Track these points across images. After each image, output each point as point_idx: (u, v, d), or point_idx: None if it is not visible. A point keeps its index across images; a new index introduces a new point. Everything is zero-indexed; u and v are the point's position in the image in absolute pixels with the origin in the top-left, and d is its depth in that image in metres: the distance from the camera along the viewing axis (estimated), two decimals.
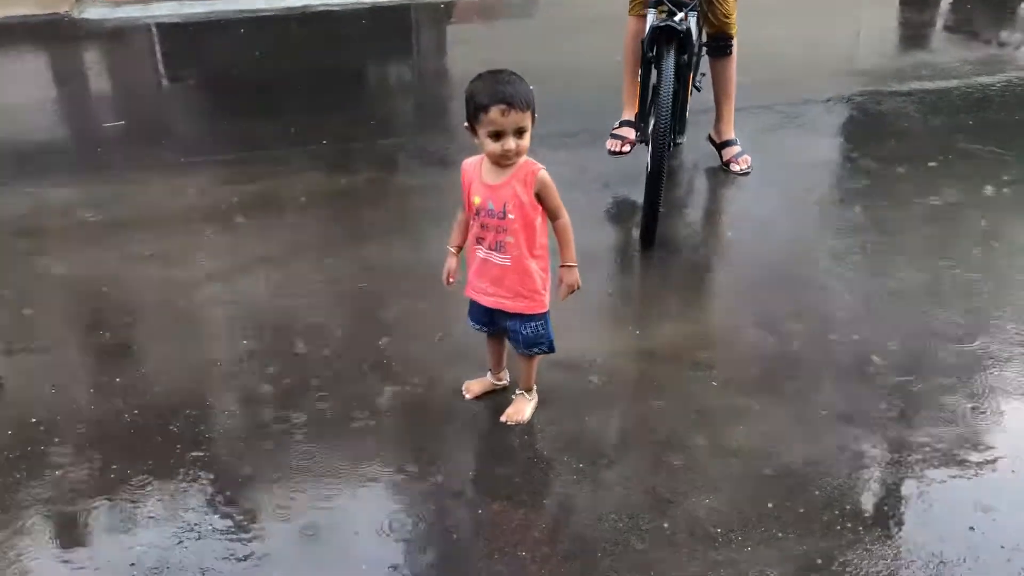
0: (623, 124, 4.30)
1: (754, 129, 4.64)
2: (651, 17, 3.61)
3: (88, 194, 4.08)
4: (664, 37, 3.49)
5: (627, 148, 4.24)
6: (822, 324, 3.19)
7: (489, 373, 2.87)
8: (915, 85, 5.26)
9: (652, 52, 3.56)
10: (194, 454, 2.60)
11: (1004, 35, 6.30)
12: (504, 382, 2.88)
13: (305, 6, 6.69)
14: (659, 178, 3.46)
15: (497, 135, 2.37)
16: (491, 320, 2.71)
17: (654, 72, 3.57)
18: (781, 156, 4.45)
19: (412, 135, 4.73)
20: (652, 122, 3.56)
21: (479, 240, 2.55)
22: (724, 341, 3.15)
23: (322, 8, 6.68)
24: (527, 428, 2.72)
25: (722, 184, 4.25)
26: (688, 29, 3.53)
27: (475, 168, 2.50)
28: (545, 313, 2.64)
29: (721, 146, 4.31)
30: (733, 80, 4.19)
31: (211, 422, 2.74)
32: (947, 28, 6.66)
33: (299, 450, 2.62)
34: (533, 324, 2.64)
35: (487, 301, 2.63)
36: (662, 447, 2.64)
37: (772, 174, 4.26)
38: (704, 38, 4.08)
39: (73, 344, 3.19)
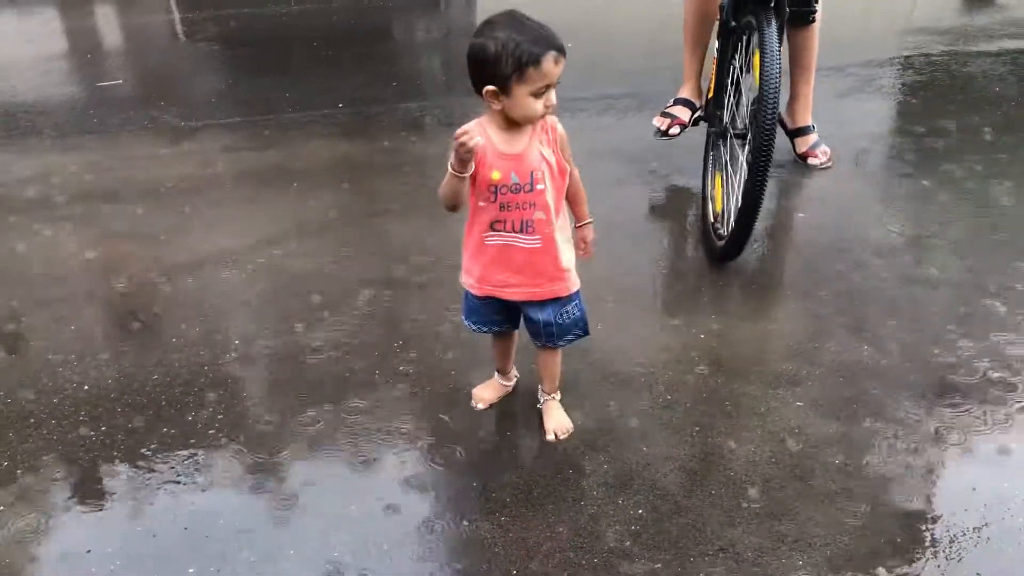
0: (677, 102, 3.68)
1: (826, 94, 4.09)
2: None
3: (69, 161, 3.64)
4: (762, 1, 2.74)
5: (676, 130, 3.62)
6: (921, 330, 2.68)
7: (497, 375, 2.42)
8: (1007, 44, 4.67)
9: (734, 20, 2.89)
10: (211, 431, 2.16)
11: None
12: (513, 381, 2.45)
13: None
14: (761, 184, 2.69)
15: (542, 91, 1.91)
16: (507, 317, 2.24)
17: (739, 46, 2.91)
18: (859, 126, 3.90)
19: (437, 97, 4.23)
20: (754, 109, 2.79)
21: (495, 226, 2.06)
22: (806, 351, 2.65)
23: None
24: (576, 467, 2.24)
25: (790, 159, 3.70)
26: None
27: (483, 137, 1.98)
28: (579, 291, 2.20)
29: (795, 133, 3.66)
30: (815, 53, 3.52)
31: (220, 408, 2.30)
32: None
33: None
34: (569, 307, 2.19)
35: (512, 295, 2.15)
36: (740, 486, 2.16)
37: (851, 145, 3.72)
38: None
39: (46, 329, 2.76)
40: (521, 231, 2.06)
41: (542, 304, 2.18)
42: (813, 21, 3.46)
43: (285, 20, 5.19)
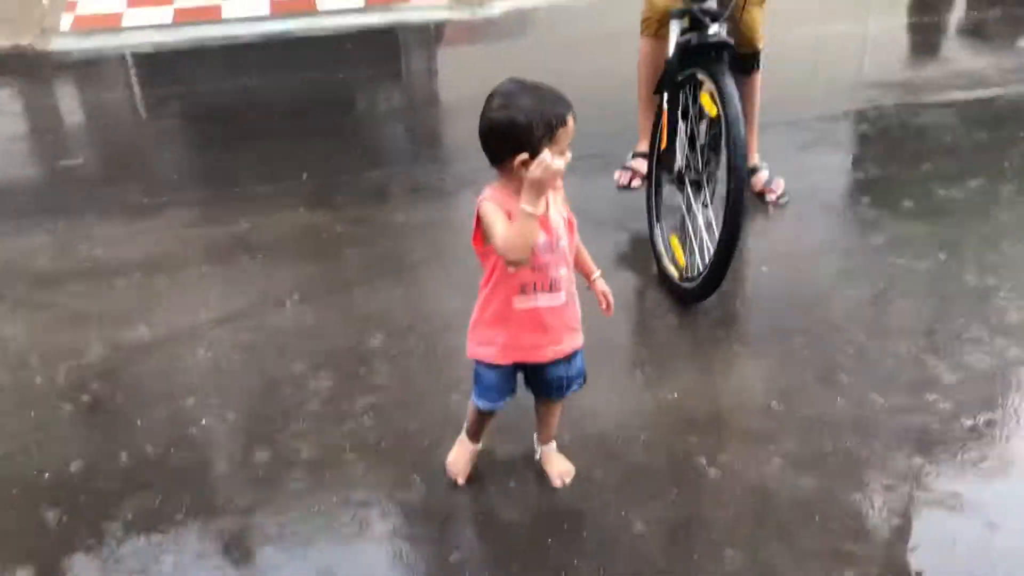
0: (637, 156, 3.81)
1: (784, 148, 4.16)
2: (676, 29, 3.08)
3: (29, 244, 3.59)
4: (711, 54, 2.89)
5: (637, 183, 3.74)
6: (892, 381, 2.70)
7: (467, 440, 2.41)
8: (956, 95, 4.80)
9: (681, 75, 3.01)
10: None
11: None
12: (480, 445, 2.43)
13: (286, 31, 6.23)
14: (739, 222, 2.76)
15: (565, 148, 1.99)
16: (515, 384, 2.27)
17: (685, 98, 3.03)
18: (818, 177, 3.97)
19: (403, 165, 4.25)
20: (724, 157, 2.89)
21: (525, 289, 2.09)
22: (779, 406, 2.64)
23: (305, 33, 6.22)
24: (555, 534, 2.21)
25: (752, 213, 3.74)
26: (728, 41, 2.94)
27: (510, 204, 1.99)
28: None
29: (748, 174, 3.74)
30: (758, 100, 3.69)
31: (185, 492, 2.24)
32: (969, 34, 6.21)
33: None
34: (578, 357, 2.25)
35: (542, 356, 2.19)
36: (722, 548, 2.13)
37: (810, 198, 3.78)
38: None
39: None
40: (550, 289, 2.11)
41: (558, 361, 2.21)
42: (757, 69, 3.58)
43: (247, 94, 5.21)
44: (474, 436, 2.39)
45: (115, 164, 4.38)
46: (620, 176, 3.80)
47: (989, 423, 2.52)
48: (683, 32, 3.04)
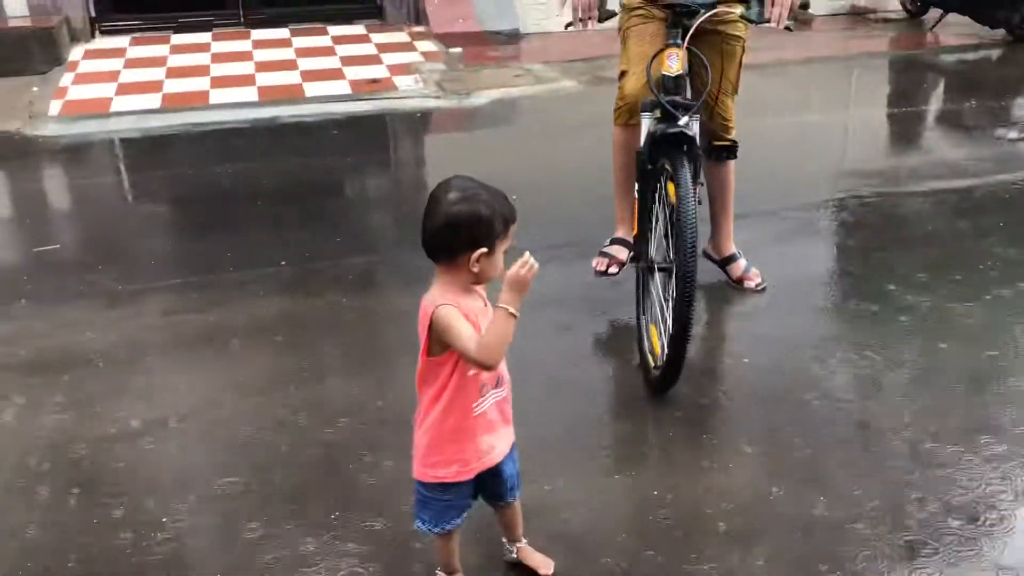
0: (614, 242, 3.81)
1: (764, 238, 4.17)
2: (647, 123, 3.10)
3: (1, 330, 3.53)
4: (674, 145, 2.93)
5: (615, 269, 3.73)
6: (876, 479, 2.63)
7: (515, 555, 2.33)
8: (934, 184, 4.84)
9: (652, 164, 3.04)
10: None
11: (1011, 132, 5.91)
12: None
13: (274, 117, 6.30)
14: (688, 309, 2.76)
15: (506, 247, 1.98)
16: (472, 495, 2.17)
17: (657, 186, 3.04)
18: (798, 266, 3.96)
19: (386, 252, 4.23)
20: (673, 245, 2.92)
21: (483, 390, 2.03)
22: (761, 504, 2.56)
23: (292, 119, 6.29)
24: None
25: (728, 300, 3.72)
26: (694, 135, 3.00)
27: (464, 305, 1.96)
28: None
29: (725, 263, 3.79)
30: (732, 188, 3.72)
31: None
32: (948, 125, 6.32)
33: None
34: (514, 450, 2.19)
35: (497, 456, 2.12)
36: None
37: (790, 288, 3.76)
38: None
39: None
40: (497, 385, 2.07)
41: (506, 457, 2.14)
42: (734, 158, 3.60)
43: (232, 180, 5.21)
44: (450, 566, 2.24)
45: (93, 250, 4.34)
46: (597, 263, 3.78)
47: (977, 527, 2.44)
48: (655, 123, 3.05)
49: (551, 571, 2.30)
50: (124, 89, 6.60)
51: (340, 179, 5.33)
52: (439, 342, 1.96)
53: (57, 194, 5.37)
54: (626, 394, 3.13)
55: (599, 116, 3.82)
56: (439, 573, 2.26)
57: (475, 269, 1.93)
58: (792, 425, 2.88)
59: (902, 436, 2.81)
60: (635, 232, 3.23)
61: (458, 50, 7.61)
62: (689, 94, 3.20)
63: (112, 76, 6.82)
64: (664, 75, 3.05)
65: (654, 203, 3.10)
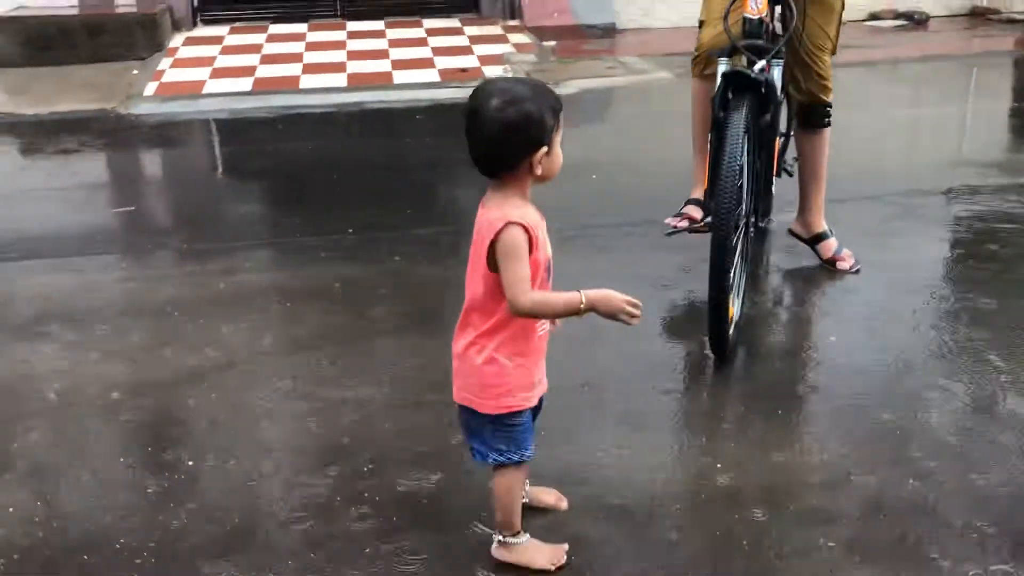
0: (689, 203, 3.57)
1: (864, 221, 3.85)
2: (722, 68, 2.89)
3: (67, 282, 3.52)
4: (735, 87, 2.74)
5: (683, 224, 3.44)
6: (964, 463, 2.31)
7: (522, 535, 2.07)
8: None
9: (723, 112, 2.81)
10: None
11: None
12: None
13: (360, 102, 6.25)
14: (722, 265, 2.62)
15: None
16: None
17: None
18: (897, 251, 3.62)
19: (453, 224, 4.07)
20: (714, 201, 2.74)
21: None
22: (837, 484, 2.28)
23: (378, 105, 6.23)
24: None
25: (820, 281, 3.42)
26: (769, 81, 2.78)
27: (525, 221, 1.83)
28: None
29: (814, 240, 3.48)
30: (825, 159, 3.41)
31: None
32: None
33: None
34: None
35: (545, 386, 2.02)
36: None
37: (887, 271, 3.43)
38: (793, 109, 3.37)
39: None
40: None
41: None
42: (827, 126, 3.32)
43: (314, 157, 5.16)
44: (514, 522, 2.03)
45: (168, 214, 4.34)
46: (669, 220, 3.52)
47: None
48: (729, 68, 2.84)
49: (566, 504, 2.19)
50: (218, 73, 6.68)
51: (417, 160, 5.21)
52: (493, 260, 1.82)
53: (141, 165, 5.41)
54: (691, 370, 2.87)
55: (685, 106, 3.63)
56: (500, 536, 2.04)
57: (539, 171, 1.82)
58: (881, 406, 2.58)
59: (1010, 427, 2.48)
60: (706, 187, 3.00)
61: (551, 43, 7.46)
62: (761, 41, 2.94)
63: (208, 61, 6.91)
64: (745, 16, 2.85)
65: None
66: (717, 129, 2.82)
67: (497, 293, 1.85)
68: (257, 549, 2.09)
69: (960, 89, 6.56)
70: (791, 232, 3.53)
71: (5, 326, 3.19)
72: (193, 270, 3.61)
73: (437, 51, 7.22)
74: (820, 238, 3.46)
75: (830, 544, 2.07)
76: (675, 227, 3.45)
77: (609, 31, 7.91)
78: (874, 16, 8.27)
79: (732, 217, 2.62)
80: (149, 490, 2.31)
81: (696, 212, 3.47)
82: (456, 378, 1.95)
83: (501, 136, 1.78)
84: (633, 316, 1.87)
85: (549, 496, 2.20)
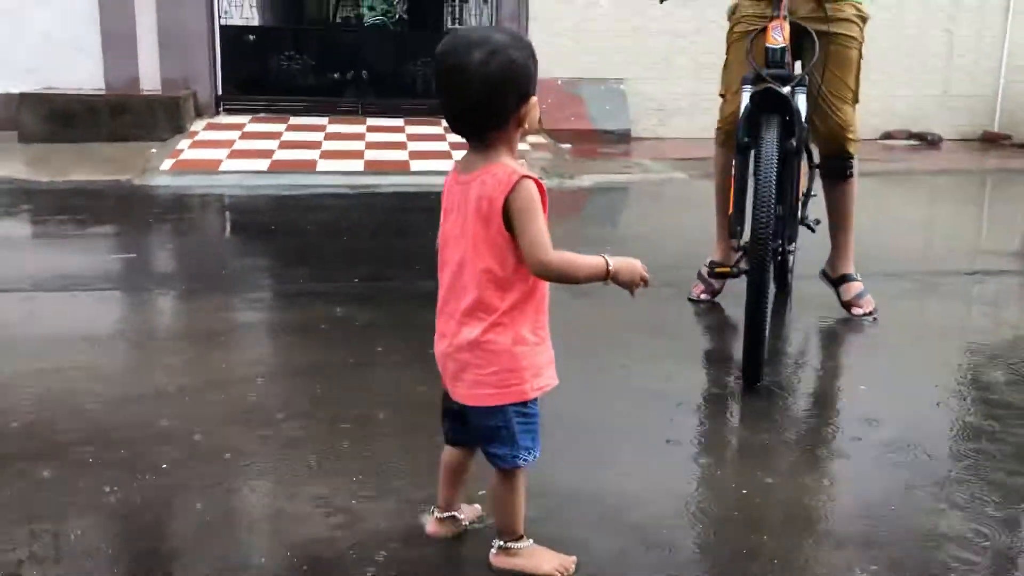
0: (712, 266, 3.45)
1: (887, 295, 3.74)
2: (746, 95, 2.85)
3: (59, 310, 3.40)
4: (763, 106, 2.72)
5: (706, 296, 3.47)
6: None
7: (529, 540, 1.89)
8: None
9: (748, 136, 2.77)
10: None
11: None
12: None
13: (375, 184, 6.26)
14: (757, 296, 2.59)
15: None
16: None
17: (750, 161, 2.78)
18: (919, 323, 3.50)
19: None
20: (752, 220, 2.69)
21: None
22: (878, 513, 2.07)
23: (393, 188, 6.23)
24: None
25: (850, 327, 3.31)
26: (795, 103, 2.77)
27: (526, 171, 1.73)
28: None
29: (838, 282, 3.43)
30: (852, 208, 3.37)
31: None
32: None
33: None
34: None
35: None
36: None
37: (908, 336, 3.29)
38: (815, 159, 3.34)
39: None
40: None
41: None
42: (850, 176, 3.28)
43: (325, 226, 5.11)
44: (519, 526, 1.85)
45: (167, 263, 4.25)
46: (693, 288, 3.54)
47: None
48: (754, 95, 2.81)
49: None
50: (236, 154, 6.74)
51: (431, 231, 5.16)
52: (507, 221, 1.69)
53: (150, 228, 5.35)
54: (715, 388, 2.72)
55: (706, 197, 3.62)
56: (500, 542, 1.84)
57: (527, 121, 1.71)
58: (910, 445, 2.39)
59: None
60: (731, 211, 2.96)
61: (567, 145, 7.55)
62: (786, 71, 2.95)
63: (227, 144, 6.99)
64: (768, 47, 2.85)
65: (748, 179, 2.83)
66: (742, 154, 2.76)
67: (511, 261, 1.71)
68: None
69: (975, 196, 6.56)
70: (822, 273, 3.51)
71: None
72: (186, 308, 3.49)
73: (455, 145, 7.30)
74: (844, 279, 3.42)
75: (872, 567, 1.84)
76: (697, 297, 3.50)
77: (624, 137, 8.03)
78: (887, 136, 8.38)
79: (769, 233, 2.60)
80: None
81: (717, 281, 3.47)
82: (463, 375, 1.76)
83: (490, 90, 1.66)
84: (646, 280, 1.81)
85: (473, 511, 2.00)
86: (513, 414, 1.75)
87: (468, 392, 1.76)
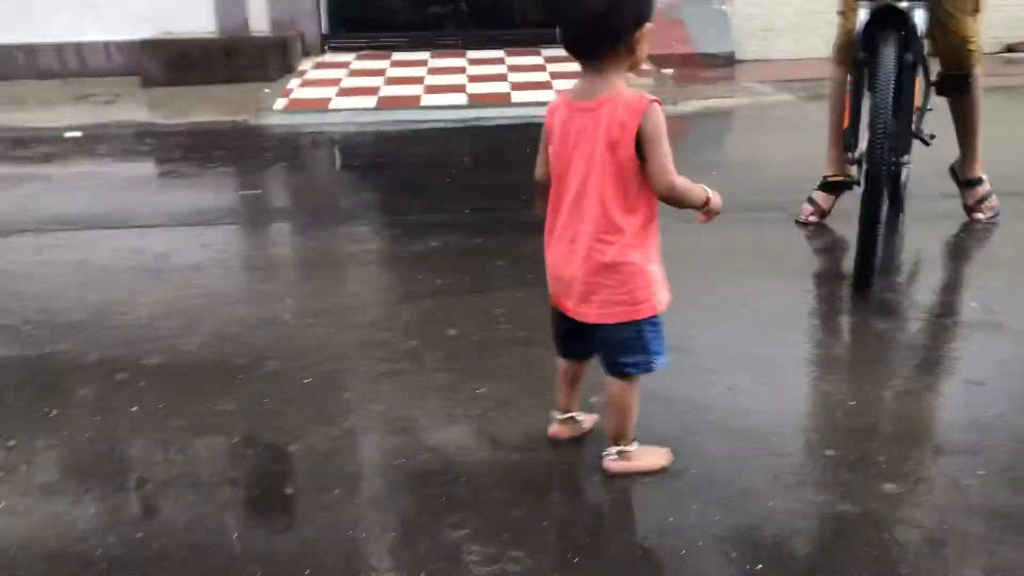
0: (823, 186, 3.50)
1: (1007, 213, 3.68)
2: (864, 11, 2.85)
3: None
4: (881, 21, 2.75)
5: (814, 218, 3.49)
6: None
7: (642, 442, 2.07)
8: None
9: (864, 52, 2.79)
10: None
11: None
12: None
13: (479, 117, 6.35)
14: (874, 207, 2.67)
15: None
16: None
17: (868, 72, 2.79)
18: None
19: None
20: (868, 132, 2.73)
21: None
22: (986, 424, 2.12)
23: (496, 121, 6.32)
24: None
25: (968, 235, 3.32)
26: (913, 19, 2.78)
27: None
28: None
29: (964, 185, 3.46)
30: (978, 117, 3.36)
31: None
32: None
33: None
34: None
35: None
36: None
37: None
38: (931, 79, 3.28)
39: None
40: None
41: None
42: (969, 91, 3.26)
43: (429, 159, 5.26)
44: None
45: (287, 198, 4.48)
46: (802, 209, 3.55)
47: None
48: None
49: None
50: (344, 92, 6.92)
51: (534, 162, 5.25)
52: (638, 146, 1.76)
53: (269, 163, 5.61)
54: (830, 302, 2.82)
55: (815, 121, 3.61)
56: (616, 448, 1.98)
57: (641, 50, 1.76)
58: None
59: None
60: (845, 124, 3.07)
61: (669, 70, 7.46)
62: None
63: (335, 82, 7.18)
64: None
65: (865, 93, 2.86)
66: (859, 69, 2.85)
67: (635, 184, 1.79)
68: None
69: None
70: (951, 170, 3.53)
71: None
72: (310, 237, 3.71)
73: (554, 75, 7.31)
74: (971, 184, 3.44)
75: (979, 471, 1.90)
76: (805, 220, 3.51)
77: (729, 60, 7.87)
78: (1010, 48, 7.97)
79: (883, 160, 2.68)
80: None
81: (827, 201, 3.47)
82: (593, 296, 1.85)
83: (612, 5, 1.72)
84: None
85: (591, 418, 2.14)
86: (644, 326, 1.86)
87: (600, 311, 1.85)
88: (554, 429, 2.07)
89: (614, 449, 1.96)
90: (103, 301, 2.98)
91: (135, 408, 2.31)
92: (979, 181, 3.45)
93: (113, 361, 2.56)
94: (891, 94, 2.68)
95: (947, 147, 3.46)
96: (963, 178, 3.49)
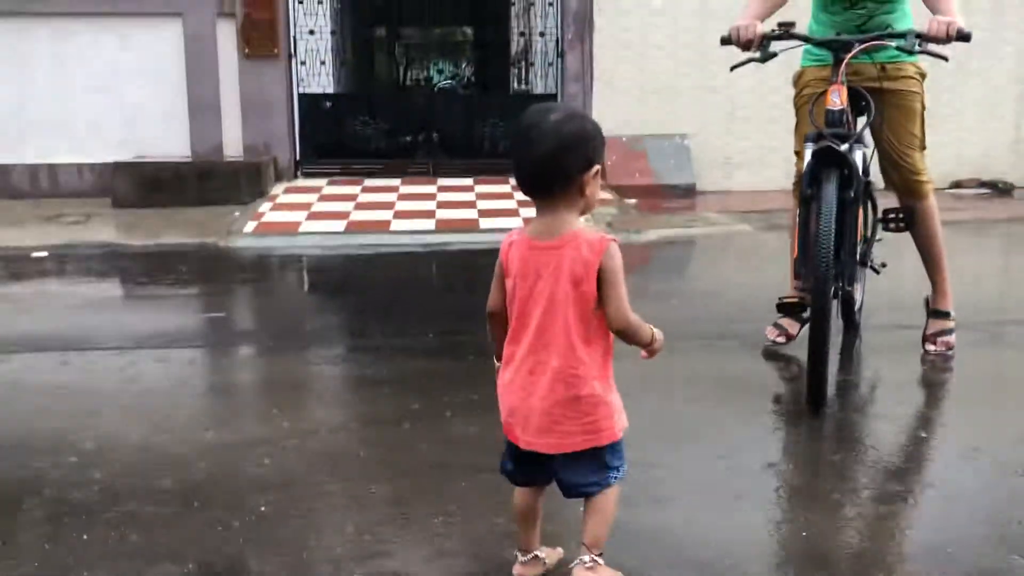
0: (779, 307, 3.60)
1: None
2: (809, 152, 3.06)
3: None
4: (823, 161, 2.93)
5: (782, 340, 3.57)
6: None
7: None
8: None
9: (811, 188, 2.98)
10: None
11: None
12: None
13: (447, 242, 6.48)
14: (819, 336, 2.82)
15: None
16: None
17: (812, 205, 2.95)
18: (987, 372, 3.52)
19: None
20: (810, 262, 2.92)
21: None
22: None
23: (463, 245, 6.44)
24: None
25: (914, 369, 3.39)
26: (851, 159, 2.97)
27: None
28: None
29: (930, 315, 3.55)
30: (938, 249, 3.48)
31: None
32: None
33: None
34: None
35: None
36: None
37: (973, 385, 3.32)
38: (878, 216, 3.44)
39: None
40: None
41: None
42: (915, 223, 3.43)
43: (396, 283, 5.33)
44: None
45: (253, 321, 4.49)
46: (769, 331, 3.65)
47: None
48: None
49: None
50: (314, 216, 7.05)
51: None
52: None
53: (236, 288, 5.64)
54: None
55: (773, 249, 3.76)
56: (588, 557, 1.95)
57: (589, 191, 1.84)
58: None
59: None
60: (795, 254, 3.20)
61: (632, 201, 7.69)
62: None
63: (306, 206, 7.31)
64: (827, 110, 3.06)
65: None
66: (806, 204, 3.00)
67: (596, 318, 1.86)
68: None
69: None
70: (925, 300, 3.61)
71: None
72: (279, 361, 3.70)
73: (522, 203, 7.50)
74: (936, 315, 3.54)
75: None
76: (774, 339, 3.61)
77: (689, 191, 8.13)
78: (957, 184, 8.33)
79: (828, 271, 2.84)
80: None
81: (793, 327, 3.57)
82: (555, 428, 1.88)
83: (562, 147, 1.80)
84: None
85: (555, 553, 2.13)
86: (608, 450, 1.91)
87: (561, 442, 1.88)
88: (519, 570, 2.04)
89: (587, 557, 1.93)
90: (52, 427, 2.94)
91: (85, 536, 2.25)
92: (945, 315, 3.53)
93: (62, 488, 2.50)
94: (832, 227, 2.85)
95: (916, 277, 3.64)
96: (930, 307, 3.58)
